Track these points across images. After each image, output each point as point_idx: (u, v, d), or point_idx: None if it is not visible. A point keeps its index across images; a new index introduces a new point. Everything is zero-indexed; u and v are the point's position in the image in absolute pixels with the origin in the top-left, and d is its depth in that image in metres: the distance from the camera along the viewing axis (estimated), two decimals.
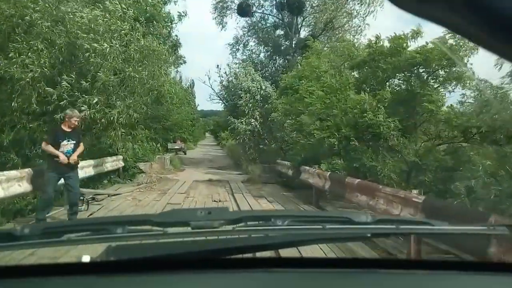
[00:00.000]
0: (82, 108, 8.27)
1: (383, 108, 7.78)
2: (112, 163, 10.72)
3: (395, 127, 7.63)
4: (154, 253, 0.91)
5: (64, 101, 8.18)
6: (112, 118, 8.88)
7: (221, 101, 21.88)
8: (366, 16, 19.30)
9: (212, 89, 21.96)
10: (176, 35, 16.62)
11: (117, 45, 8.57)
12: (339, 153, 7.61)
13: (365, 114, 7.36)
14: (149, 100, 11.06)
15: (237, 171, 16.11)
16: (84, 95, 8.47)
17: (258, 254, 1.06)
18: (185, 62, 23.00)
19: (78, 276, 0.87)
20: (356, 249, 4.14)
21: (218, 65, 21.67)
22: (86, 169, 8.56)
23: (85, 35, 8.16)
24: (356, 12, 19.14)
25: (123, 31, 9.16)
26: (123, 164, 11.77)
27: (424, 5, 0.34)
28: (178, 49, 17.20)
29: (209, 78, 23.22)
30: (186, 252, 0.94)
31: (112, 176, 11.16)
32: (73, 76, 8.48)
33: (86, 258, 0.95)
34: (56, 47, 8.50)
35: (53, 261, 2.54)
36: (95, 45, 8.11)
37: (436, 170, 8.69)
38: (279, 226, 0.94)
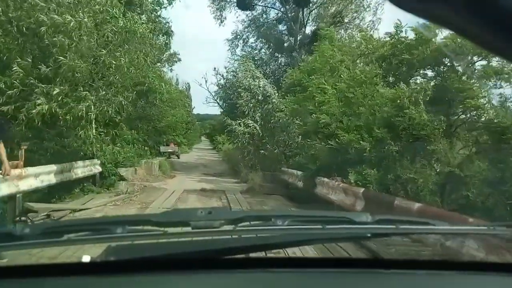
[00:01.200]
0: (38, 101, 6.46)
1: (423, 104, 6.06)
2: (84, 168, 8.90)
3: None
4: (154, 253, 0.91)
5: (15, 89, 6.39)
6: (80, 113, 7.06)
7: (218, 104, 20.47)
8: (377, 10, 17.66)
9: (209, 91, 20.49)
10: (168, 22, 14.78)
11: (86, 20, 6.75)
12: (370, 161, 5.83)
13: (406, 111, 5.61)
14: (130, 94, 9.23)
15: (234, 178, 14.47)
16: (41, 84, 6.65)
17: (258, 254, 1.04)
18: (179, 60, 21.44)
19: (78, 276, 0.86)
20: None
21: (215, 68, 20.21)
22: (44, 176, 6.75)
23: (44, 4, 6.35)
24: (368, 2, 17.41)
25: (97, 6, 7.38)
26: (100, 170, 9.94)
27: (424, 4, 0.34)
28: (170, 38, 15.36)
29: (206, 81, 21.76)
30: (186, 252, 0.93)
31: (85, 184, 9.34)
32: (29, 60, 6.68)
33: (86, 258, 0.93)
34: (12, 22, 6.71)
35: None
36: (55, 17, 6.29)
37: (481, 184, 7.09)
38: (279, 226, 0.93)
